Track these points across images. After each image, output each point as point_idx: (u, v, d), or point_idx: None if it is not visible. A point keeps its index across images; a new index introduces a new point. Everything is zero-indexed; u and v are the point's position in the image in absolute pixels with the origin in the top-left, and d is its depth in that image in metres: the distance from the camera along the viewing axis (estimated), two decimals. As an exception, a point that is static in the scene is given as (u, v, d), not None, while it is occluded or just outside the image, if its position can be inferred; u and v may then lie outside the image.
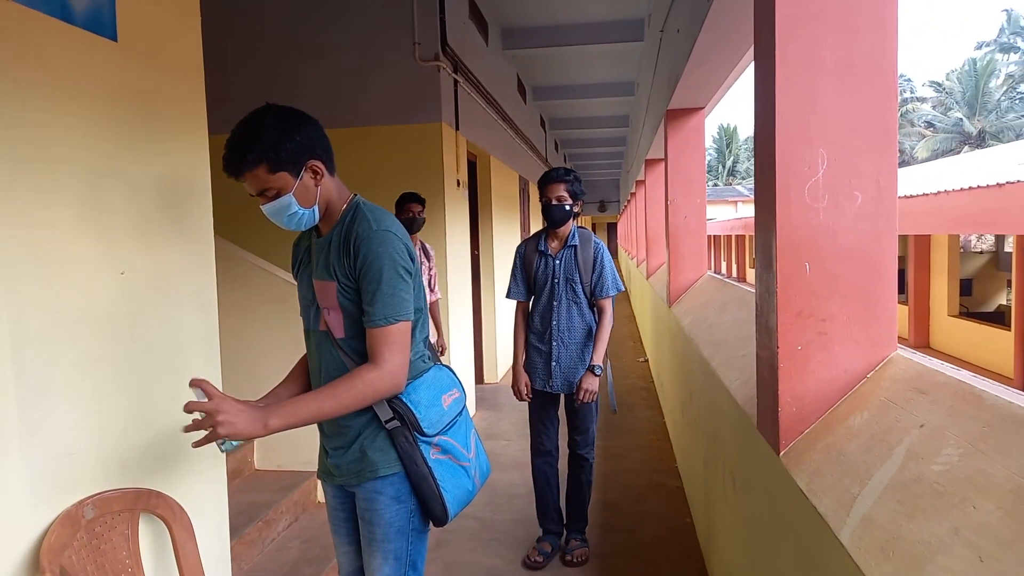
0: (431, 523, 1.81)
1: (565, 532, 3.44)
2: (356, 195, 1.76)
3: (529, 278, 3.33)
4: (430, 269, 4.59)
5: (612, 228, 43.62)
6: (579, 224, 3.40)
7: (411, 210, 4.28)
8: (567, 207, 3.20)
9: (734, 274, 27.99)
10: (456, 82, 5.55)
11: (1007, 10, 40.81)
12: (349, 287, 1.65)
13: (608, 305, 3.28)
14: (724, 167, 56.09)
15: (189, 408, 1.44)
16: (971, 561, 1.00)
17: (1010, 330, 10.33)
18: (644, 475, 4.50)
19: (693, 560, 3.27)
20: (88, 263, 1.69)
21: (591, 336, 3.27)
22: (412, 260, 1.69)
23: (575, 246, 3.26)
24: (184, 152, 2.04)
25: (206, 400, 1.45)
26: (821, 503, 1.44)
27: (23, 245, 1.51)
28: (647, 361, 8.48)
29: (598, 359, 3.23)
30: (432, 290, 4.61)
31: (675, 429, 4.91)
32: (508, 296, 3.39)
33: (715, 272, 4.99)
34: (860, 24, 1.65)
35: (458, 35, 5.70)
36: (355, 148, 5.07)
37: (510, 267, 3.44)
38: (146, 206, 1.88)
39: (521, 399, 3.32)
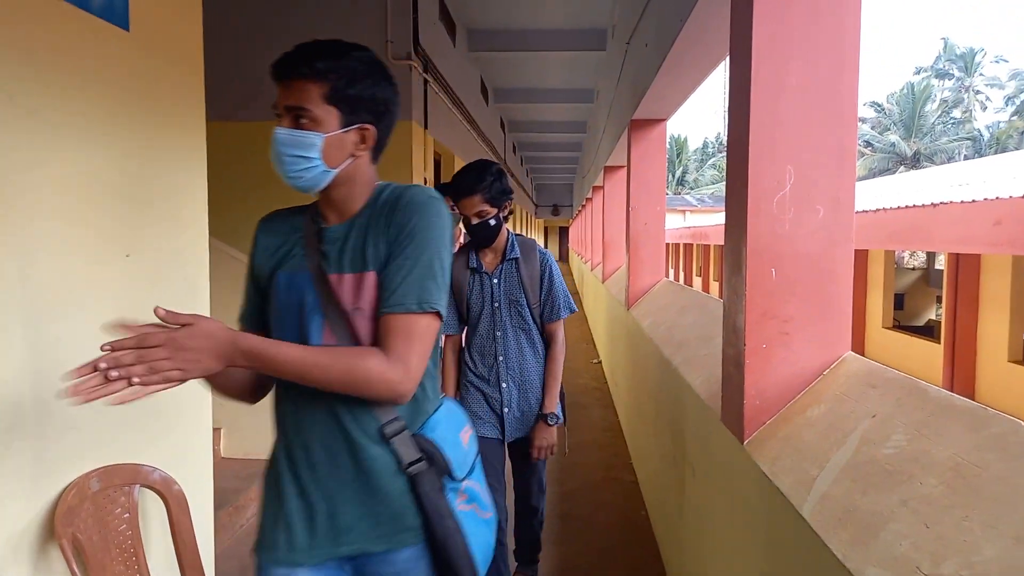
0: None
1: (516, 563, 2.93)
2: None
3: (461, 304, 2.63)
4: None
5: (564, 232, 44.07)
6: (514, 231, 2.74)
7: None
8: (492, 222, 2.50)
9: (681, 282, 28.66)
10: (426, 81, 5.63)
11: (944, 38, 43.01)
12: None
13: (559, 330, 2.71)
14: (674, 177, 57.26)
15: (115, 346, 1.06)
16: (917, 527, 1.17)
17: (939, 343, 10.94)
18: (599, 469, 4.67)
19: (647, 547, 3.44)
20: (96, 243, 1.74)
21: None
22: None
23: (516, 259, 2.61)
24: (184, 138, 2.09)
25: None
26: (783, 484, 1.60)
27: (39, 221, 1.56)
28: (600, 362, 8.69)
29: (551, 404, 2.64)
30: None
31: (630, 426, 5.09)
32: None
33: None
34: (822, 49, 1.82)
35: (429, 35, 5.79)
36: (324, 142, 5.09)
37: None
38: (148, 191, 1.93)
39: None
